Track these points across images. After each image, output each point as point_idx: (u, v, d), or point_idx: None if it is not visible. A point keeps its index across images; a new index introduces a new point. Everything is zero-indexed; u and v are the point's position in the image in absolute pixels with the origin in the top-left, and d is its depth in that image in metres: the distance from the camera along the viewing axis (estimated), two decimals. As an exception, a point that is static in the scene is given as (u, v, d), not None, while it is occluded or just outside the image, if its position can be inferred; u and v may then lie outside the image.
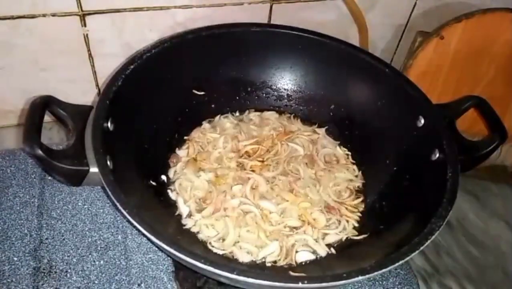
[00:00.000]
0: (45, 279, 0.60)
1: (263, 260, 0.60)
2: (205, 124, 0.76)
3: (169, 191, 0.66)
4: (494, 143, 0.62)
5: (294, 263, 0.60)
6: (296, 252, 0.61)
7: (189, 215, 0.64)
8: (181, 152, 0.71)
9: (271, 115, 0.79)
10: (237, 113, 0.79)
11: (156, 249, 0.65)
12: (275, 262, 0.60)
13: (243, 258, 0.59)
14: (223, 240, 0.61)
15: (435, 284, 0.73)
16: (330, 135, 0.77)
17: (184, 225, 0.62)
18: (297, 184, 0.68)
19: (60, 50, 0.70)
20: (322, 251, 0.61)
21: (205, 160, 0.70)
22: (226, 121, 0.77)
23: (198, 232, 0.62)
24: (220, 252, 0.59)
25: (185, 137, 0.73)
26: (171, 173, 0.68)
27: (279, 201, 0.65)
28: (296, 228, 0.63)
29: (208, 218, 0.63)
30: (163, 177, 0.68)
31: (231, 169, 0.69)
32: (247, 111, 0.79)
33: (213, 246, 0.60)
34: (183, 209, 0.64)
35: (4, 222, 0.66)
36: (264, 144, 0.73)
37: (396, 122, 0.68)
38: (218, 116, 0.77)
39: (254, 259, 0.60)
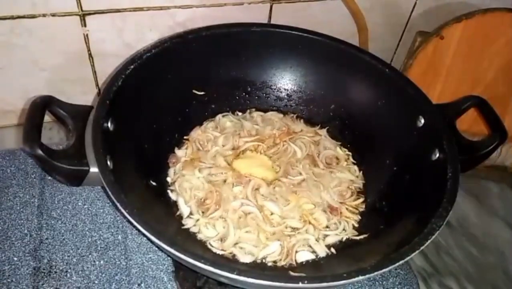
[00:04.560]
0: (45, 279, 0.60)
1: (263, 260, 0.60)
2: (206, 124, 0.76)
3: (169, 191, 0.66)
4: (494, 143, 0.62)
5: (294, 263, 0.60)
6: (296, 252, 0.61)
7: (190, 215, 0.64)
8: (180, 152, 0.71)
9: (274, 115, 0.79)
10: (239, 114, 0.78)
11: (156, 249, 0.65)
12: (275, 262, 0.60)
13: (244, 258, 0.59)
14: (223, 240, 0.61)
15: (435, 284, 0.73)
16: (330, 135, 0.77)
17: (184, 225, 0.62)
18: (300, 185, 0.68)
19: (60, 50, 0.70)
20: (322, 252, 0.61)
21: (202, 159, 0.70)
22: (226, 120, 0.77)
23: (198, 232, 0.62)
24: (220, 252, 0.59)
25: (185, 137, 0.73)
26: (170, 173, 0.68)
27: (281, 202, 0.65)
28: (297, 228, 0.63)
29: (208, 218, 0.63)
30: (163, 177, 0.68)
31: (228, 168, 0.69)
32: (248, 111, 0.79)
33: (212, 246, 0.60)
34: (184, 210, 0.64)
35: (4, 222, 0.66)
36: (266, 142, 0.73)
37: (396, 122, 0.68)
38: (219, 115, 0.77)
39: (254, 259, 0.60)
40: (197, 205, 0.64)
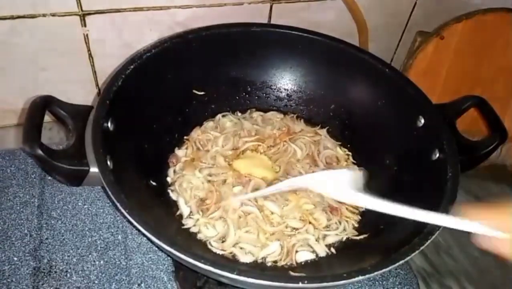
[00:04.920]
0: (45, 279, 0.60)
1: (264, 260, 0.60)
2: (206, 124, 0.76)
3: (169, 191, 0.66)
4: (494, 143, 0.62)
5: (294, 263, 0.60)
6: (296, 252, 0.61)
7: (190, 215, 0.64)
8: (180, 152, 0.71)
9: (274, 115, 0.78)
10: (239, 114, 0.78)
11: (156, 249, 0.65)
12: (275, 262, 0.60)
13: (244, 258, 0.59)
14: (223, 240, 0.61)
15: (435, 284, 0.73)
16: (330, 135, 0.77)
17: (184, 225, 0.62)
18: None
19: (60, 50, 0.70)
20: (322, 252, 0.61)
21: (202, 159, 0.70)
22: (226, 120, 0.77)
23: (198, 232, 0.62)
24: (220, 252, 0.60)
25: (185, 137, 0.73)
26: (170, 173, 0.68)
27: (281, 202, 0.65)
28: (297, 228, 0.63)
29: (208, 218, 0.63)
30: (164, 177, 0.68)
31: (228, 168, 0.68)
32: (249, 111, 0.79)
33: (212, 246, 0.60)
34: (184, 210, 0.64)
35: (4, 222, 0.66)
36: (266, 142, 0.73)
37: (396, 122, 0.68)
38: (218, 115, 0.77)
39: (254, 259, 0.60)
40: (197, 205, 0.64)
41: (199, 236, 0.61)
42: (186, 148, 0.72)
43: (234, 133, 0.74)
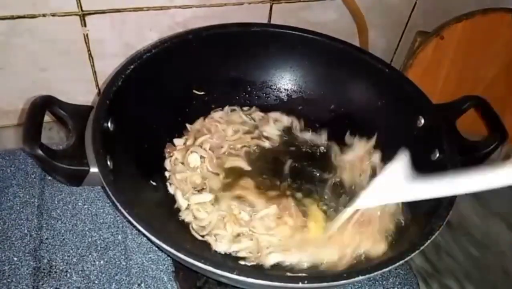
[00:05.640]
0: (45, 279, 0.60)
1: (236, 253, 0.57)
2: (213, 114, 0.75)
3: (168, 184, 0.65)
4: (494, 144, 0.62)
5: (265, 264, 0.56)
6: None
7: (187, 208, 0.63)
8: (178, 141, 0.70)
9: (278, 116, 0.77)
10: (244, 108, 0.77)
11: (156, 249, 0.65)
12: (244, 258, 0.57)
13: (216, 246, 0.57)
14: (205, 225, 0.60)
15: (435, 284, 0.73)
16: (329, 135, 0.76)
17: (183, 221, 0.62)
18: None
19: (60, 50, 0.70)
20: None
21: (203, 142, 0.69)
22: (234, 114, 0.75)
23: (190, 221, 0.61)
24: (199, 238, 0.58)
25: (188, 126, 0.72)
26: (167, 165, 0.67)
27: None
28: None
29: (199, 203, 0.62)
30: (163, 176, 0.67)
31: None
32: (254, 107, 0.78)
33: (193, 229, 0.59)
34: (182, 203, 0.63)
35: (4, 222, 0.66)
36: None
37: (396, 122, 0.68)
38: (227, 107, 0.76)
39: (226, 250, 0.58)
40: (193, 194, 0.63)
41: (190, 223, 0.61)
42: (186, 139, 0.71)
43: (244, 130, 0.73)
